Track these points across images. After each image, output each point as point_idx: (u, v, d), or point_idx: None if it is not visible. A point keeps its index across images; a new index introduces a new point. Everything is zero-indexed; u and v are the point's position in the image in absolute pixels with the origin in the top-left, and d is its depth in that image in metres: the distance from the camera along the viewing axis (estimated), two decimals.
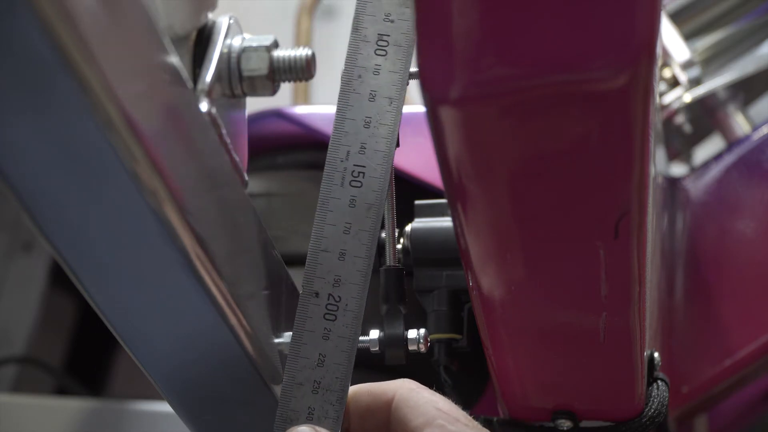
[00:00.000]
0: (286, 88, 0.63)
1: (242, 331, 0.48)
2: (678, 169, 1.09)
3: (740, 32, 1.01)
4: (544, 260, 0.49)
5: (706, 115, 1.03)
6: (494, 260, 0.50)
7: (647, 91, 0.40)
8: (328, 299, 0.52)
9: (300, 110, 0.85)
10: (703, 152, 1.11)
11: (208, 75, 0.49)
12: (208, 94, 0.48)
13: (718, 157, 0.91)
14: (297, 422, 0.51)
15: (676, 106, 0.98)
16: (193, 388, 0.50)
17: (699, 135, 1.08)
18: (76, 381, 1.20)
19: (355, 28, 0.54)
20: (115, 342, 0.49)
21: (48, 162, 0.39)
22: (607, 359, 0.56)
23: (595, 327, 0.53)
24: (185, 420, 0.53)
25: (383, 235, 0.58)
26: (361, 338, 0.54)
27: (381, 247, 0.59)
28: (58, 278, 1.27)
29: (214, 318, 0.46)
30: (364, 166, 0.53)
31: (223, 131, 0.49)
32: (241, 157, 0.52)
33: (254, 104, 0.59)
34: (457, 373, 0.67)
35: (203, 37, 0.50)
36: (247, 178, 0.52)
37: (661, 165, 0.90)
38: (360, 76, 0.53)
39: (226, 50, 0.50)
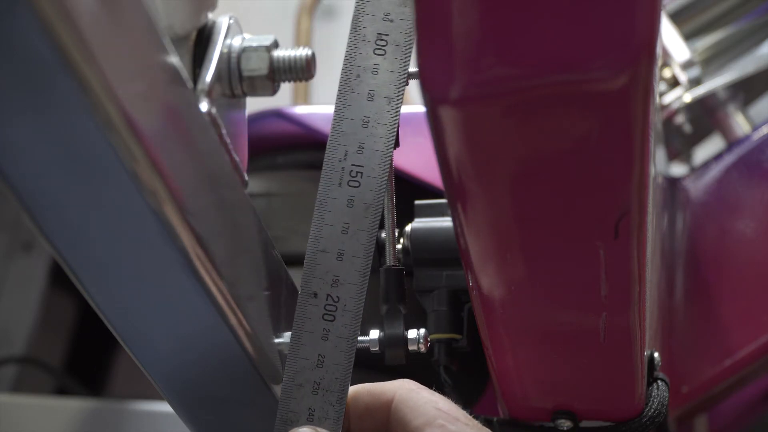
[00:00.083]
0: (286, 88, 0.63)
1: (242, 332, 0.48)
2: (678, 169, 1.09)
3: (740, 32, 1.01)
4: (544, 260, 0.49)
5: (706, 115, 1.03)
6: (494, 260, 0.50)
7: (647, 91, 0.40)
8: (327, 300, 0.52)
9: (300, 110, 0.85)
10: (703, 152, 1.10)
11: (208, 75, 0.49)
12: (208, 94, 0.48)
13: (718, 157, 0.91)
14: (297, 424, 0.51)
15: (676, 106, 0.98)
16: (193, 388, 0.50)
17: (699, 135, 1.08)
18: (76, 381, 1.20)
19: (354, 27, 0.54)
20: (115, 342, 0.49)
21: (48, 162, 0.39)
22: (607, 359, 0.56)
23: (595, 327, 0.53)
24: (185, 420, 0.53)
25: (383, 235, 0.58)
26: (361, 338, 0.54)
27: (381, 247, 0.59)
28: (58, 278, 1.27)
29: (214, 318, 0.46)
30: (362, 166, 0.53)
31: (223, 131, 0.49)
32: (241, 157, 0.52)
33: (254, 104, 0.59)
34: (457, 373, 0.67)
35: (203, 37, 0.50)
36: (247, 178, 0.52)
37: (661, 165, 0.90)
38: (358, 76, 0.53)
39: (226, 50, 0.50)
